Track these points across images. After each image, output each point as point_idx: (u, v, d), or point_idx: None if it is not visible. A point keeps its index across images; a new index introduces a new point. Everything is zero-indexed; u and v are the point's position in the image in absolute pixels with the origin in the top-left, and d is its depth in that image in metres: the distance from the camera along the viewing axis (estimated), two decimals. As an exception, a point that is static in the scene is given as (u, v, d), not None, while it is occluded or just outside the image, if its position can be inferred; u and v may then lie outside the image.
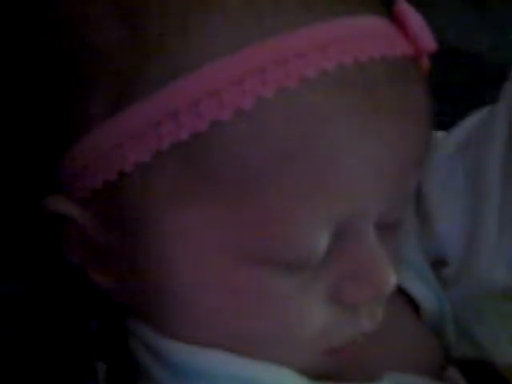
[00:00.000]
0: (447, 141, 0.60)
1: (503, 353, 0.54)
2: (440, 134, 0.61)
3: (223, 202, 0.42)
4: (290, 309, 0.45)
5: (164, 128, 0.41)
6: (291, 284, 0.45)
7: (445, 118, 0.62)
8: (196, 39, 0.42)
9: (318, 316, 0.46)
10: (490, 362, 0.55)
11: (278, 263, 0.44)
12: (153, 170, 0.42)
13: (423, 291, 0.57)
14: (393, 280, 0.46)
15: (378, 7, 0.46)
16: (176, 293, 0.45)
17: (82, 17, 0.44)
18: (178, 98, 0.41)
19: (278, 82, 0.41)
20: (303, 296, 0.45)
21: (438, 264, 0.57)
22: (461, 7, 0.68)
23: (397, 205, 0.47)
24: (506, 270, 0.54)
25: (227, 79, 0.41)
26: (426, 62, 0.48)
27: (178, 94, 0.41)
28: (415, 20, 0.47)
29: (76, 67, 0.44)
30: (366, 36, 0.44)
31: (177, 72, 0.41)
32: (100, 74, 0.43)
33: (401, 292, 0.56)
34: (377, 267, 0.46)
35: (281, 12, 0.42)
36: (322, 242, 0.44)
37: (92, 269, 0.47)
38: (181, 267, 0.44)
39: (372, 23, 0.45)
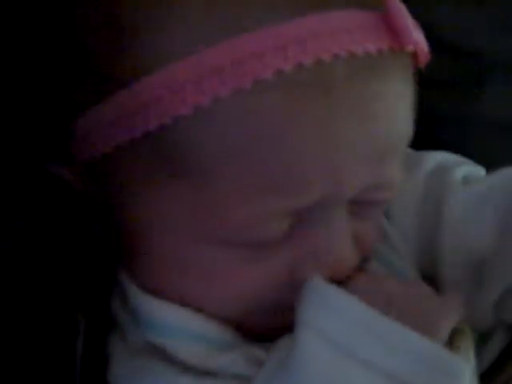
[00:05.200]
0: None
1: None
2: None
3: (187, 183, 0.47)
4: (236, 281, 0.49)
5: (134, 120, 0.47)
6: (238, 258, 0.49)
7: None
8: (158, 38, 0.46)
9: (266, 288, 0.50)
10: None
11: (230, 244, 0.48)
12: (129, 153, 0.48)
13: None
14: (350, 263, 0.49)
15: None
16: (147, 252, 0.51)
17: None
18: (143, 95, 0.46)
19: (234, 83, 0.45)
20: (255, 270, 0.49)
21: None
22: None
23: (373, 190, 0.49)
24: None
25: (187, 78, 0.45)
26: (418, 57, 0.49)
27: (142, 92, 0.46)
28: (402, 14, 0.47)
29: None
30: (331, 33, 0.45)
31: (141, 70, 0.46)
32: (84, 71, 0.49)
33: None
34: (335, 252, 0.49)
35: (243, 12, 0.45)
36: (275, 229, 0.48)
37: None
38: (147, 232, 0.50)
39: (342, 17, 0.46)
